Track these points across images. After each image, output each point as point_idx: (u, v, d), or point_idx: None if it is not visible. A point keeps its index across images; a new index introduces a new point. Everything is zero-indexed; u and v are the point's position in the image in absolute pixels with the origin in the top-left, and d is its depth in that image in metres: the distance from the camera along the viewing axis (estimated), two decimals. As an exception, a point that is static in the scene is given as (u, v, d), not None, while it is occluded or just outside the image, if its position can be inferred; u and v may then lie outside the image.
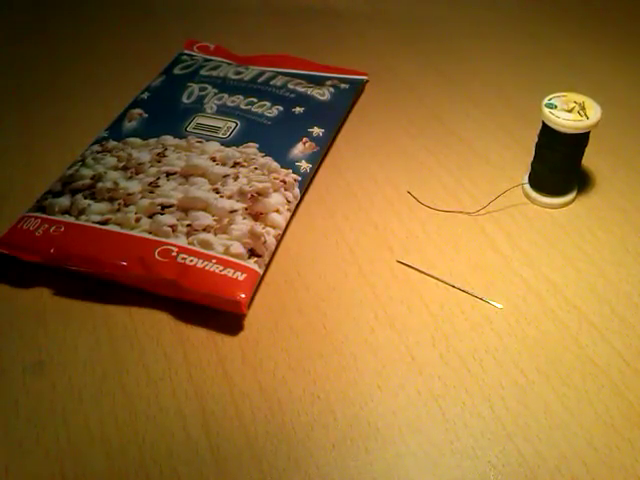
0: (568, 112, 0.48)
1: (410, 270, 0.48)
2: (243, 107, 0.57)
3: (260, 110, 0.57)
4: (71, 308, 0.45)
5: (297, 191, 0.51)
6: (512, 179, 0.54)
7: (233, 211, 0.47)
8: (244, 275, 0.43)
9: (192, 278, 0.43)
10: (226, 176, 0.50)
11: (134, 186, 0.49)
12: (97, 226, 0.46)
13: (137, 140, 0.54)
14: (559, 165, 0.50)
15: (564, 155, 0.50)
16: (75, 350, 0.43)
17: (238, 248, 0.45)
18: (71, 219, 0.47)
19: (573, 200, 0.52)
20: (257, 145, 0.53)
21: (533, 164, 0.52)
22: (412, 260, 0.48)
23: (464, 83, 0.65)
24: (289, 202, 0.50)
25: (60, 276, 0.47)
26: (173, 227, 0.46)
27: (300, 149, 0.54)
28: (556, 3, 0.78)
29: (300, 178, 0.51)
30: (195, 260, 0.44)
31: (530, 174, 0.53)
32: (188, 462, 0.37)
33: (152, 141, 0.54)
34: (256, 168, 0.51)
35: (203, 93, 0.59)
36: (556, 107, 0.48)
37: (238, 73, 0.62)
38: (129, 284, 0.45)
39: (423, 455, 0.37)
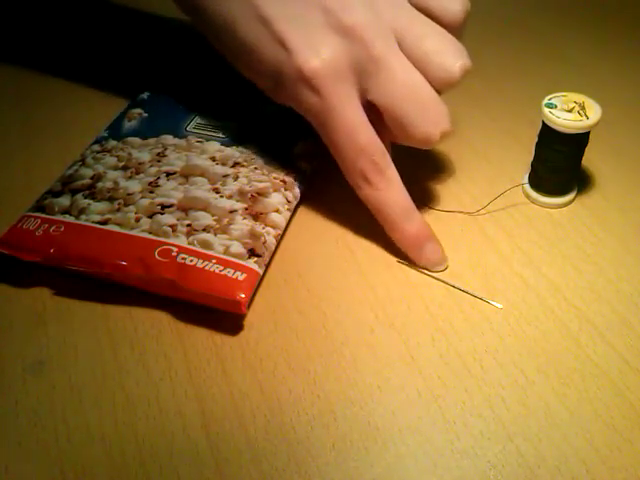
0: (568, 112, 0.48)
1: (410, 270, 0.48)
2: (243, 106, 0.57)
3: (260, 109, 0.57)
4: (71, 308, 0.45)
5: (297, 191, 0.51)
6: (512, 179, 0.54)
7: (233, 211, 0.47)
8: (244, 275, 0.43)
9: (192, 278, 0.43)
10: (226, 176, 0.50)
11: (134, 186, 0.49)
12: (97, 226, 0.46)
13: (137, 140, 0.54)
14: (559, 165, 0.50)
15: (564, 155, 0.50)
16: (75, 350, 0.43)
17: (238, 248, 0.45)
18: (71, 219, 0.47)
19: (573, 200, 0.52)
20: (257, 145, 0.53)
21: (533, 164, 0.52)
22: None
23: (464, 82, 0.65)
24: (289, 202, 0.50)
25: (60, 276, 0.47)
26: (173, 227, 0.46)
27: (300, 149, 0.54)
28: (557, 3, 0.78)
29: (300, 178, 0.51)
30: (195, 260, 0.44)
31: (530, 174, 0.53)
32: (188, 462, 0.37)
33: (152, 141, 0.54)
34: (256, 168, 0.51)
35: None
36: (556, 107, 0.48)
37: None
38: (129, 284, 0.45)
39: (423, 455, 0.37)
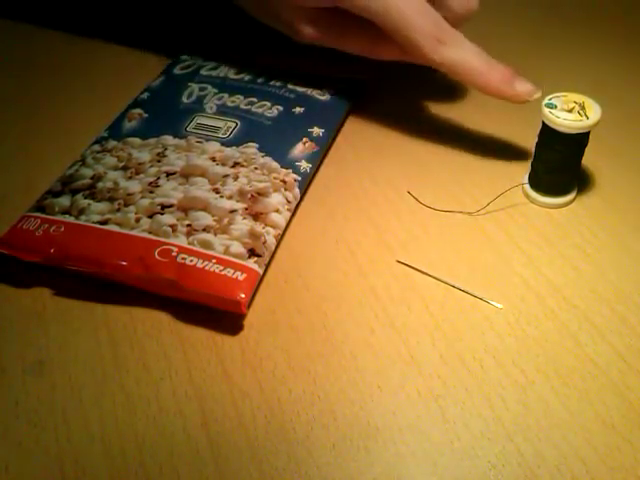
0: (568, 112, 0.48)
1: (410, 270, 0.48)
2: (243, 107, 0.57)
3: (260, 110, 0.57)
4: (71, 308, 0.45)
5: (297, 191, 0.51)
6: (512, 179, 0.54)
7: (233, 211, 0.47)
8: (244, 275, 0.43)
9: (192, 278, 0.43)
10: (226, 176, 0.50)
11: (134, 186, 0.49)
12: (97, 226, 0.46)
13: (137, 140, 0.54)
14: (559, 165, 0.50)
15: (564, 155, 0.50)
16: (75, 350, 0.43)
17: (238, 248, 0.45)
18: (71, 219, 0.47)
19: (573, 200, 0.52)
20: (257, 145, 0.53)
21: (533, 164, 0.52)
22: (412, 260, 0.48)
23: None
24: (289, 202, 0.50)
25: (60, 276, 0.47)
26: (173, 227, 0.46)
27: (300, 149, 0.54)
28: (557, 3, 0.78)
29: (300, 178, 0.51)
30: (195, 260, 0.44)
31: (530, 174, 0.53)
32: (188, 462, 0.37)
33: (152, 141, 0.54)
34: (256, 168, 0.51)
35: (203, 93, 0.59)
36: (556, 107, 0.48)
37: (238, 73, 0.62)
38: (129, 284, 0.45)
39: (423, 455, 0.37)
